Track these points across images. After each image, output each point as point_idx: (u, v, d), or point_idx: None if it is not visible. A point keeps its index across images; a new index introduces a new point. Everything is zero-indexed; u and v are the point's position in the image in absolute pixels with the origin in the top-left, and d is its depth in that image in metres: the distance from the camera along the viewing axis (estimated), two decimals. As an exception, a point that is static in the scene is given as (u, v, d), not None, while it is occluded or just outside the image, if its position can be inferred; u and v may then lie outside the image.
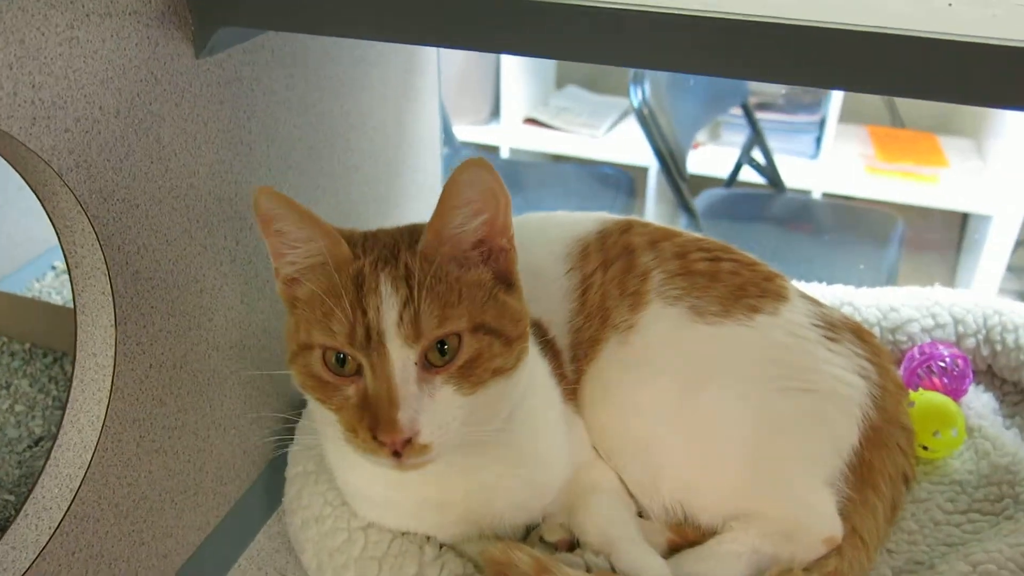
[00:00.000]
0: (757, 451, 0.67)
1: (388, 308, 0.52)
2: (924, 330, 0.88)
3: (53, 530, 0.55)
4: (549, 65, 2.34)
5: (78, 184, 0.53)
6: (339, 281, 0.54)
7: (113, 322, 0.56)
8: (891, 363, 0.76)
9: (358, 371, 0.53)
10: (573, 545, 0.68)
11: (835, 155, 2.33)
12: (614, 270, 0.73)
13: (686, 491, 0.68)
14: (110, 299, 0.55)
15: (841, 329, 0.74)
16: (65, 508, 0.56)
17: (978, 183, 2.18)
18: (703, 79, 1.94)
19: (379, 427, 0.51)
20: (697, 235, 0.78)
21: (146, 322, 0.60)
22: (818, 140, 2.32)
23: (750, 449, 0.67)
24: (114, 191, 0.56)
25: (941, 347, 0.85)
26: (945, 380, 0.84)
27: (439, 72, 1.09)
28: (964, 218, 2.34)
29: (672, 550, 0.68)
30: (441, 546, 0.67)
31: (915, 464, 0.76)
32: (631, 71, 1.97)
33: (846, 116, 2.34)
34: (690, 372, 0.69)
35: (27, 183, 0.53)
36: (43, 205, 0.54)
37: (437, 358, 0.53)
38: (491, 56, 1.80)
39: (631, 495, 0.71)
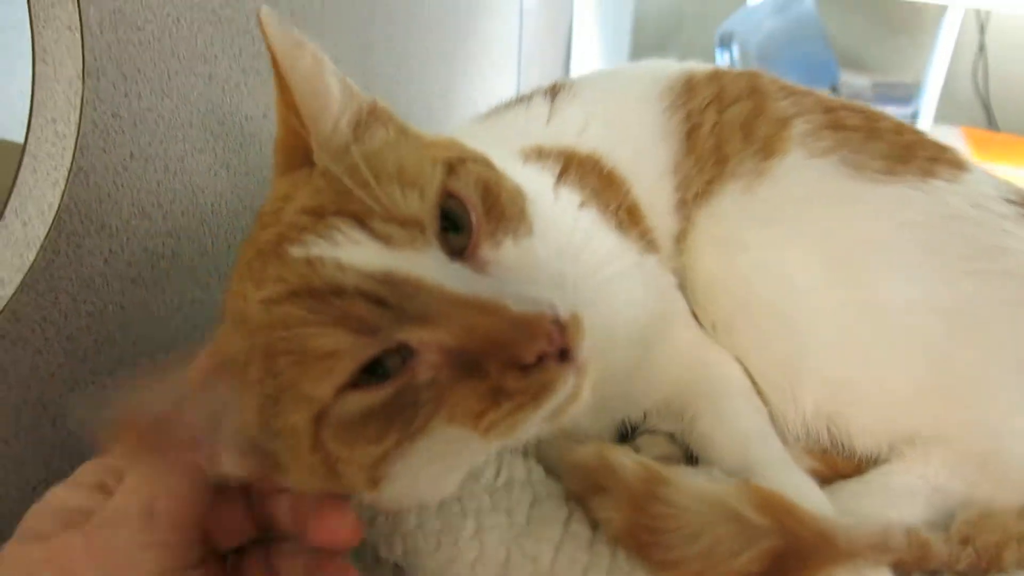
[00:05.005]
0: (942, 348, 0.48)
1: (353, 245, 0.32)
2: None
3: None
4: (624, 33, 2.18)
5: None
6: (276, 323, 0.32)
7: (81, 73, 0.41)
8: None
9: (399, 350, 0.32)
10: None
11: (928, 154, 2.11)
12: (735, 111, 0.56)
13: (840, 399, 0.50)
14: (78, 37, 0.41)
15: (1043, 209, 0.55)
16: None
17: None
18: (795, 53, 1.78)
19: (519, 345, 0.31)
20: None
21: (127, 78, 0.45)
22: (910, 137, 2.14)
23: (932, 345, 0.48)
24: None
25: None
26: None
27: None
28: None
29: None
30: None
31: None
32: (718, 36, 1.82)
33: (939, 117, 2.15)
34: (846, 236, 0.51)
35: None
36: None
37: (453, 235, 0.35)
38: (563, 26, 1.66)
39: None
